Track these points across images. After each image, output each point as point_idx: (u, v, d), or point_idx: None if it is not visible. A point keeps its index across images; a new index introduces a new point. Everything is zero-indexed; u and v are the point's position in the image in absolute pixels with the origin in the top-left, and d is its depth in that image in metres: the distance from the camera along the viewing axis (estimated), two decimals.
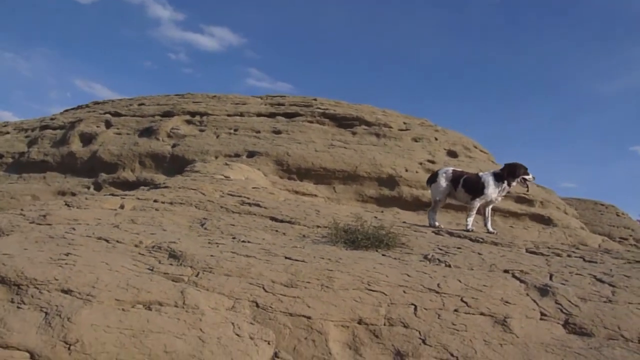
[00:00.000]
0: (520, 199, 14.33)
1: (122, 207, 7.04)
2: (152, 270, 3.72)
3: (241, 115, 17.51)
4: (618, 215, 27.94)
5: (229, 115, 17.48)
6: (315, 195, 12.95)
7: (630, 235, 25.46)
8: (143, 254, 4.12)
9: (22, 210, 6.74)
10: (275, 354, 3.04)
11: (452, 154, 15.88)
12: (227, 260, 3.92)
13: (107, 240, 4.47)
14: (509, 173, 6.78)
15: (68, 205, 6.96)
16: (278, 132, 16.06)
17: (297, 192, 12.62)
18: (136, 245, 4.38)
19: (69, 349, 2.74)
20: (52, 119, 21.01)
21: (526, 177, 6.79)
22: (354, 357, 3.10)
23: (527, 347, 3.11)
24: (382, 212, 12.02)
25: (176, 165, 14.82)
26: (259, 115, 17.53)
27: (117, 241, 4.46)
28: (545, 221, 14.23)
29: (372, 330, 3.25)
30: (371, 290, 3.61)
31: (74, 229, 5.09)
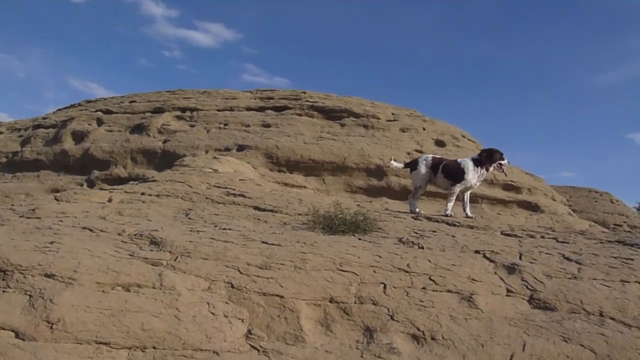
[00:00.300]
0: (507, 187, 14.49)
1: (110, 200, 7.14)
2: (132, 255, 3.85)
3: (231, 109, 17.62)
4: (612, 202, 28.17)
5: (219, 110, 17.58)
6: (305, 187, 13.07)
7: (625, 222, 25.70)
8: (125, 242, 4.25)
9: (12, 205, 6.87)
10: (249, 331, 3.15)
11: (440, 143, 16.00)
12: (205, 245, 4.05)
13: (91, 230, 4.59)
14: (486, 158, 6.94)
15: (57, 200, 7.08)
16: (267, 126, 16.18)
17: (286, 184, 12.74)
18: (119, 234, 4.51)
19: (51, 327, 2.89)
20: (44, 118, 21.06)
21: (502, 162, 6.97)
22: (325, 333, 3.22)
23: (491, 321, 3.25)
24: (370, 202, 12.15)
25: (167, 160, 14.90)
26: (249, 109, 17.64)
27: (101, 230, 4.58)
28: (533, 208, 14.41)
29: (342, 308, 3.36)
30: (342, 270, 3.72)
31: (61, 220, 5.21)
